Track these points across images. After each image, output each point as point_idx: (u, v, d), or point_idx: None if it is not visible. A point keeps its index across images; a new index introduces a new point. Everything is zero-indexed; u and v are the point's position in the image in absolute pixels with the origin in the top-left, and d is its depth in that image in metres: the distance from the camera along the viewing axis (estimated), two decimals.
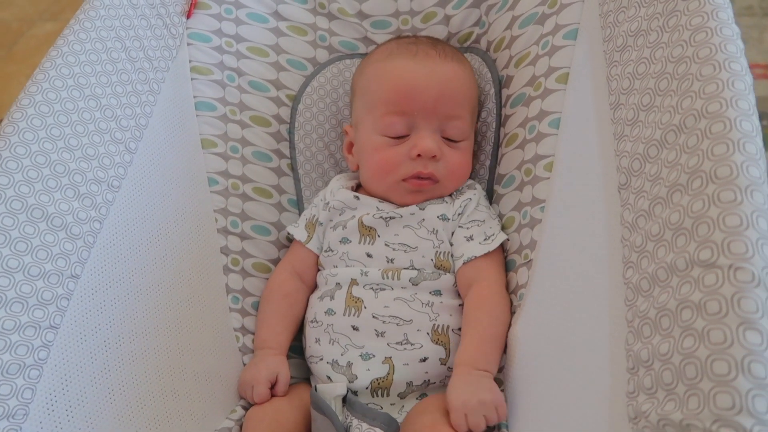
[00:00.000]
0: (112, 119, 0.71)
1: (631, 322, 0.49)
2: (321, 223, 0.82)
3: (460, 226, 0.77)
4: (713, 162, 0.45)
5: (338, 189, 0.83)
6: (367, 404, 0.71)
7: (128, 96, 0.75)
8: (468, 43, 0.94)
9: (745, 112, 0.47)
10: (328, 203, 0.82)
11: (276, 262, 0.84)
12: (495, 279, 0.73)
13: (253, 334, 0.79)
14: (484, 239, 0.75)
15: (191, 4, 0.88)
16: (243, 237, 0.83)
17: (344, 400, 0.70)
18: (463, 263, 0.74)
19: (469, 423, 0.60)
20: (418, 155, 0.76)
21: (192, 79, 0.86)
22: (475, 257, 0.73)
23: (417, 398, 0.71)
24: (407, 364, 0.70)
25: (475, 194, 0.80)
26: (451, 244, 0.76)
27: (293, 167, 0.92)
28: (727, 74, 0.49)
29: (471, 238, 0.75)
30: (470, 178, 0.84)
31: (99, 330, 0.63)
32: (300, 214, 0.89)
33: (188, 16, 0.88)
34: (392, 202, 0.80)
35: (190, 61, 0.86)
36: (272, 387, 0.72)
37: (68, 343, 0.59)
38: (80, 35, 0.72)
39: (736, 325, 0.39)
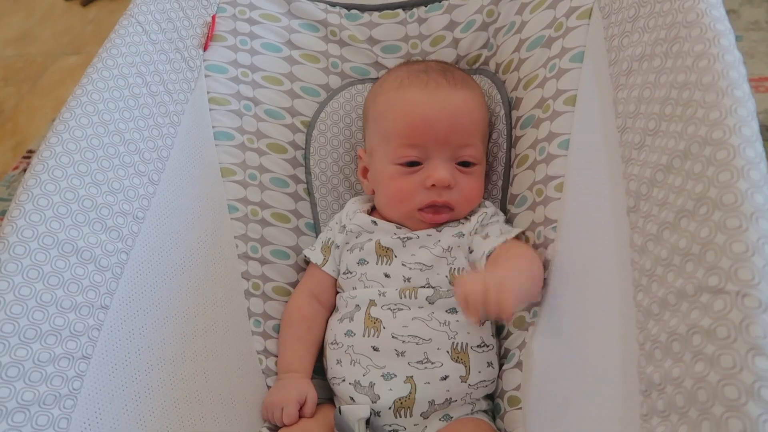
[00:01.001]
0: (136, 153, 0.74)
1: (643, 345, 0.50)
2: (338, 246, 0.84)
3: (476, 234, 0.79)
4: (718, 189, 0.47)
5: (355, 213, 0.85)
6: (391, 425, 0.72)
7: (150, 129, 0.77)
8: (477, 65, 0.96)
9: (748, 138, 0.48)
10: (344, 227, 0.85)
11: (295, 285, 0.87)
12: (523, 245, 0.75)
13: (275, 356, 0.81)
14: (501, 234, 0.77)
15: (208, 37, 0.91)
16: (263, 262, 0.85)
17: (368, 422, 0.72)
18: (486, 258, 0.74)
19: (466, 281, 0.60)
20: (433, 185, 0.78)
21: (210, 109, 0.89)
22: (495, 247, 0.74)
23: (440, 419, 0.73)
24: (429, 383, 0.72)
25: (489, 209, 0.82)
26: (471, 251, 0.78)
27: (309, 192, 0.94)
28: (729, 101, 0.50)
29: (487, 235, 0.77)
30: (483, 198, 0.85)
31: (129, 359, 0.65)
32: (316, 239, 0.91)
33: (205, 49, 0.91)
34: (408, 228, 0.82)
35: (208, 92, 0.89)
36: (300, 408, 0.74)
37: (100, 373, 0.62)
38: (103, 73, 0.75)
39: (745, 350, 0.40)
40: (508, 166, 0.87)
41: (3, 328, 0.56)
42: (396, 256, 0.79)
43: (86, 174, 0.68)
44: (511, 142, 0.87)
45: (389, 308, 0.75)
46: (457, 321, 0.74)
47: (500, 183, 0.88)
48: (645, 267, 0.53)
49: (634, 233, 0.56)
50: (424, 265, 0.78)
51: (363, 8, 0.99)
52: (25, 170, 1.39)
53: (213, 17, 0.92)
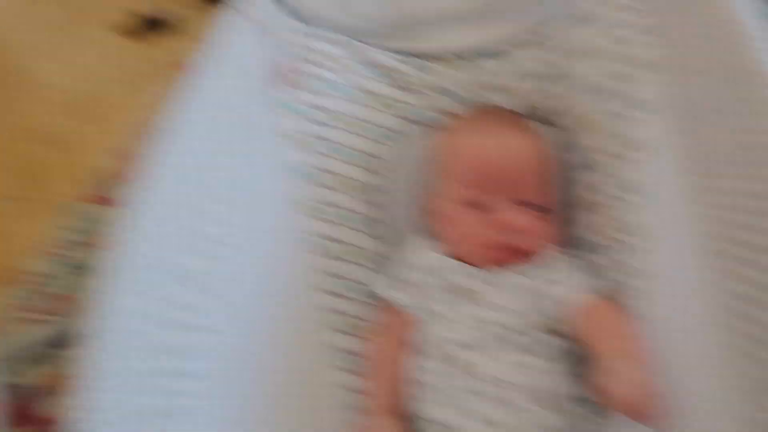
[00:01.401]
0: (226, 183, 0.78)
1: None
2: (412, 285, 0.86)
3: (551, 280, 0.80)
4: None
5: (423, 252, 0.88)
6: None
7: (231, 159, 0.81)
8: (538, 112, 1.00)
9: None
10: (415, 265, 0.87)
11: (372, 322, 0.88)
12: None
13: (358, 392, 0.82)
14: (580, 285, 0.79)
15: (284, 77, 0.95)
16: (339, 296, 0.88)
17: None
18: (568, 309, 0.76)
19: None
20: (499, 226, 0.81)
21: (284, 145, 0.92)
22: (581, 303, 0.76)
23: None
24: (517, 428, 0.72)
25: (562, 257, 0.84)
26: (549, 297, 0.79)
27: (378, 230, 0.96)
28: None
29: (567, 284, 0.79)
30: (552, 243, 0.86)
31: (232, 385, 0.69)
32: (388, 277, 0.91)
33: (281, 88, 0.95)
34: (476, 267, 0.84)
35: (281, 129, 0.93)
36: None
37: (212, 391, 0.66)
38: (187, 105, 0.77)
39: None
40: (576, 210, 0.90)
41: (132, 342, 0.59)
42: (475, 298, 0.80)
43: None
44: (577, 188, 0.90)
45: (478, 351, 0.76)
46: (550, 368, 0.75)
47: (568, 227, 0.90)
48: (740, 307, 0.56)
49: (723, 277, 0.59)
50: (508, 308, 0.79)
51: (428, 57, 1.04)
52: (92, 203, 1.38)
53: (288, 59, 0.97)
